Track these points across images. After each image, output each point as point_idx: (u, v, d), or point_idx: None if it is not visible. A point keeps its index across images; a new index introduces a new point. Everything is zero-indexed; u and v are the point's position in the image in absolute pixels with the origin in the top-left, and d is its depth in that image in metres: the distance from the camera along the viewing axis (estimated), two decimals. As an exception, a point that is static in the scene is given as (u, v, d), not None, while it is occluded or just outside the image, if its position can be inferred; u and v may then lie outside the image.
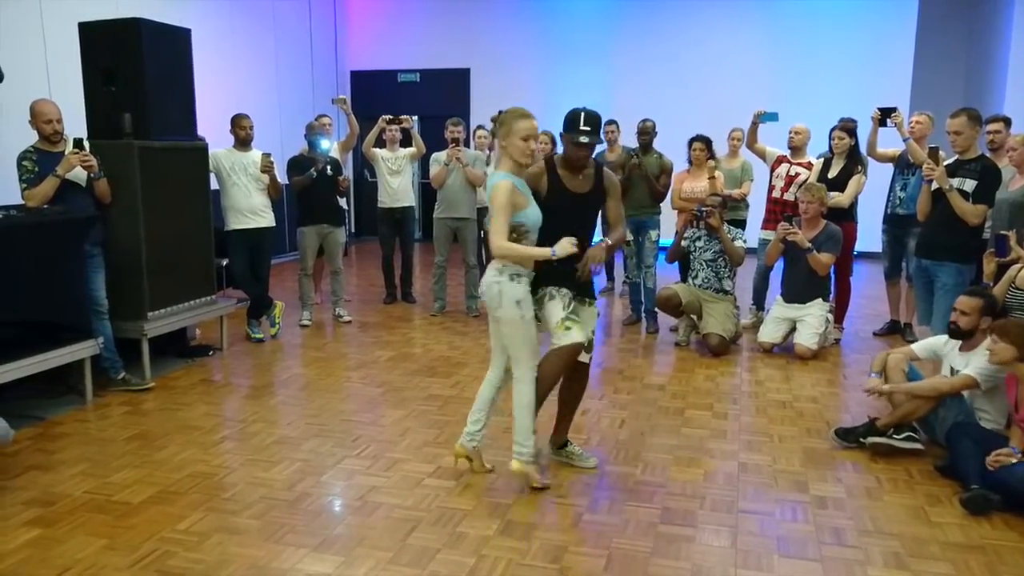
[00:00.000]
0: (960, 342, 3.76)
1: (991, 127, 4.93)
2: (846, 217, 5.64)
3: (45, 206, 4.16)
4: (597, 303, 3.50)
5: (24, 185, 4.19)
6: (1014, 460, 3.14)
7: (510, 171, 3.16)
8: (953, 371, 3.74)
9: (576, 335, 3.22)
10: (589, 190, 3.31)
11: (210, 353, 5.40)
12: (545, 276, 3.27)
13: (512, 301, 3.15)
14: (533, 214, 3.17)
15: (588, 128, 3.16)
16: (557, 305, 3.24)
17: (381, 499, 3.23)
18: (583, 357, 3.40)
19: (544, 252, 3.11)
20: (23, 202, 4.20)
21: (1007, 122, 4.93)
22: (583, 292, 3.36)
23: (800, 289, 5.49)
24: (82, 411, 4.28)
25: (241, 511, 3.11)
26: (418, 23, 11.20)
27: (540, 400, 3.31)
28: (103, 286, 4.49)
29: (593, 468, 3.54)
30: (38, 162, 4.21)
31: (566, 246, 3.09)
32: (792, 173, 5.92)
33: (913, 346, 4.06)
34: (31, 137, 4.31)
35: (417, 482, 3.37)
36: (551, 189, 3.27)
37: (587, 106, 3.25)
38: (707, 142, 6.17)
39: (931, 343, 4.00)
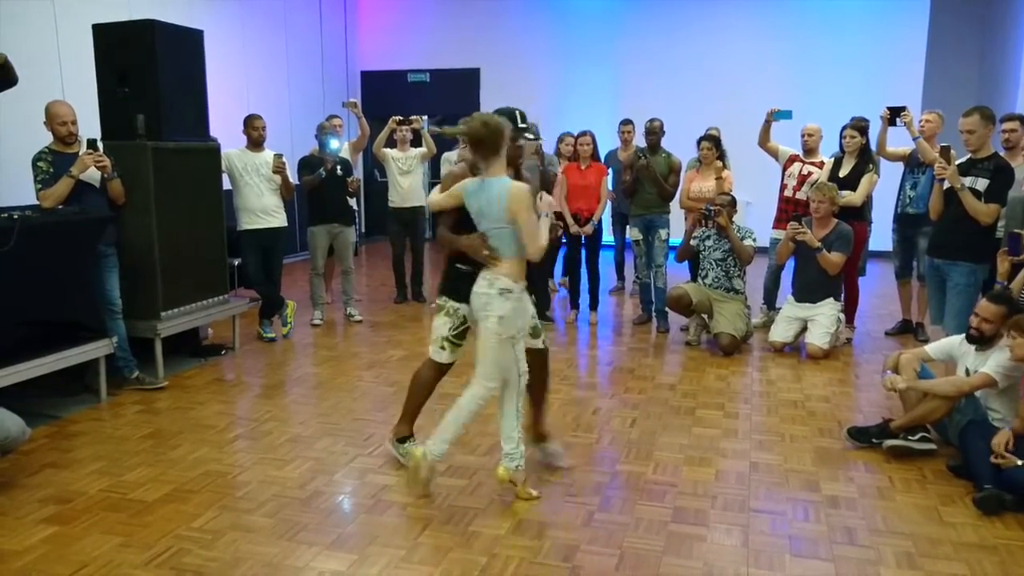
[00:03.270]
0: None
1: (1006, 126, 4.88)
2: (858, 217, 5.61)
3: (60, 206, 4.19)
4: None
5: (39, 186, 4.23)
6: (1019, 463, 3.12)
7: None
8: (969, 371, 3.70)
9: (446, 357, 3.37)
10: None
11: (222, 352, 5.44)
12: (451, 287, 3.29)
13: (496, 316, 3.03)
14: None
15: (526, 125, 3.23)
16: (446, 324, 3.31)
17: (393, 498, 3.25)
18: (534, 344, 3.39)
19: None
20: (38, 203, 4.24)
21: (1023, 120, 4.89)
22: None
23: (811, 288, 5.47)
24: (97, 410, 4.32)
25: (255, 509, 3.13)
26: (428, 23, 11.22)
27: (412, 401, 3.49)
28: (117, 286, 4.53)
29: (560, 467, 3.52)
30: (53, 163, 4.25)
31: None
32: (804, 172, 5.90)
33: (927, 347, 4.02)
34: (45, 138, 4.35)
35: (429, 481, 3.39)
36: None
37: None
38: (715, 141, 6.15)
39: (945, 344, 3.95)
